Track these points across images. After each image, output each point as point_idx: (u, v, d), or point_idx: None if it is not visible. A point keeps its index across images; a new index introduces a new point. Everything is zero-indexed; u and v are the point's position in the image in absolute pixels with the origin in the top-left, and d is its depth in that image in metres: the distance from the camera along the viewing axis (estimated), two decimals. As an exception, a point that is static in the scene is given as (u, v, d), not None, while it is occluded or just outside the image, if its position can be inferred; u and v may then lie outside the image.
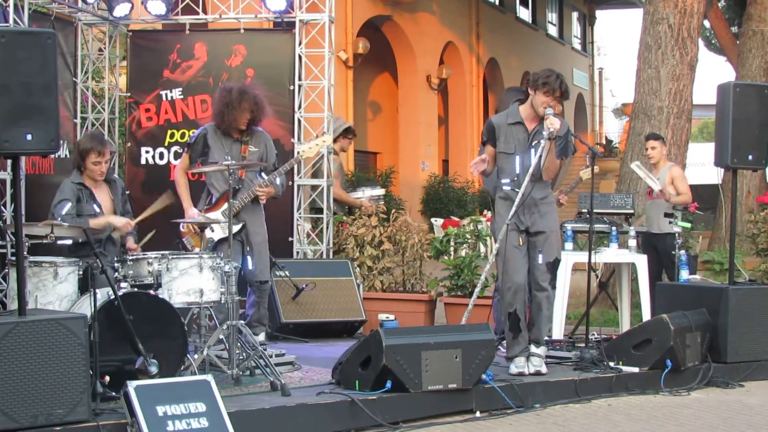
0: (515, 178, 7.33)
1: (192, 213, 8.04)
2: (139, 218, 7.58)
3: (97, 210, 7.38)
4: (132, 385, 5.37)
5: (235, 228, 7.81)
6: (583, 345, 7.87)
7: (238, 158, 7.93)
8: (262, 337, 8.19)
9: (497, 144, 7.39)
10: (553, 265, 7.40)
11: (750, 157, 7.97)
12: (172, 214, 8.05)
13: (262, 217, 8.26)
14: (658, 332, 7.42)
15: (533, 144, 7.31)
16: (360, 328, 9.64)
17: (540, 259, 7.32)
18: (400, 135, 26.67)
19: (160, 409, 5.34)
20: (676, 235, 8.85)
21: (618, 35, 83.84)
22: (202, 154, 8.11)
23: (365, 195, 10.88)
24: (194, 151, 8.15)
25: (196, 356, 6.70)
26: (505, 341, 7.52)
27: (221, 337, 6.89)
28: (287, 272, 9.31)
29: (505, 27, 32.47)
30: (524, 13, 35.58)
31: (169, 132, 10.47)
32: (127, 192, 8.26)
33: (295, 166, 10.13)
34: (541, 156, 7.19)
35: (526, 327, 7.32)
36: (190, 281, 6.76)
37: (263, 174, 8.22)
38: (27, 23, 8.62)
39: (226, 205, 7.85)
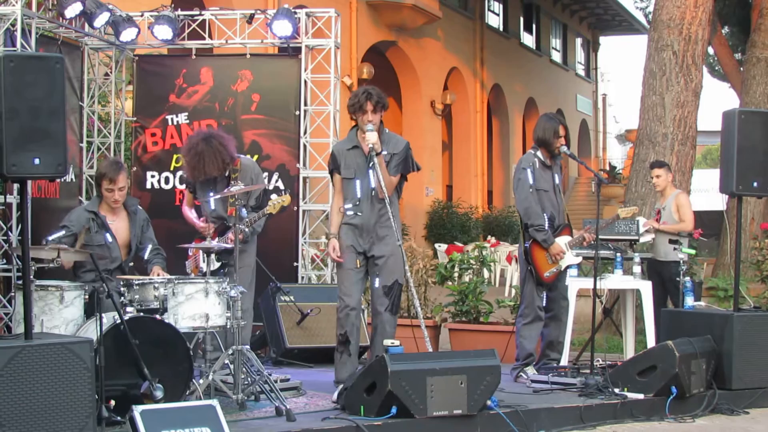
0: (357, 203, 7.41)
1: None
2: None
3: (109, 240, 7.38)
4: (137, 410, 5.37)
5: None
6: (587, 371, 7.86)
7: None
8: None
9: (341, 171, 7.48)
10: (391, 289, 7.40)
11: (755, 184, 7.99)
12: (179, 239, 8.06)
13: (253, 248, 8.18)
14: (663, 359, 7.41)
15: (371, 166, 7.28)
16: (365, 353, 9.62)
17: (376, 282, 7.39)
18: (404, 160, 26.64)
19: (166, 434, 5.35)
20: (681, 261, 8.84)
21: (622, 61, 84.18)
22: (192, 190, 8.18)
23: None
24: (189, 187, 8.23)
25: (201, 381, 6.71)
26: (527, 368, 7.92)
27: (226, 362, 6.90)
28: (292, 297, 9.31)
29: (509, 53, 32.57)
30: (528, 39, 35.69)
31: (175, 156, 10.45)
32: None
33: (300, 191, 10.17)
34: (378, 175, 7.20)
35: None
36: (195, 306, 6.78)
37: (244, 210, 8.09)
38: (34, 47, 8.67)
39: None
